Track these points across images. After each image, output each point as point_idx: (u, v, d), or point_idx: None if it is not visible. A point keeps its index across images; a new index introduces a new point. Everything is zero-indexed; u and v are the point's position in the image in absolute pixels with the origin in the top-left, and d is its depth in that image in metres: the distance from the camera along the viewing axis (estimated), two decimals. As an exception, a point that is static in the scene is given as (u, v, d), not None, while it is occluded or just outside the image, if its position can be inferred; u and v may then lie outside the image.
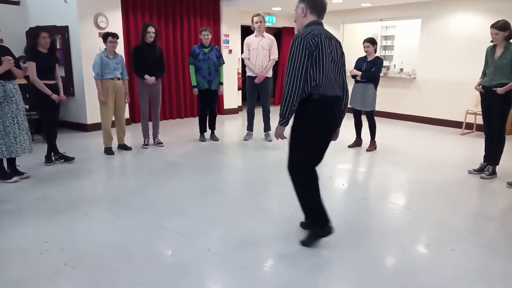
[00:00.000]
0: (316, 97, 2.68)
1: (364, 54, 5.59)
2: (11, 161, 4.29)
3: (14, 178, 4.23)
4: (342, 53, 2.82)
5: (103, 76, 5.11)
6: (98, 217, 3.39)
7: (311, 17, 2.81)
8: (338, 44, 2.80)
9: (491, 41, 4.28)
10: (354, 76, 5.61)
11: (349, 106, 5.89)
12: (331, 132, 2.88)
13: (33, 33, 4.56)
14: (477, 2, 6.96)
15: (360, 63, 5.60)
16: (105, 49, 5.15)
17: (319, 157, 2.92)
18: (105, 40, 5.10)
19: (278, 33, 9.84)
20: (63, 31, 6.59)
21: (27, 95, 5.39)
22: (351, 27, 9.57)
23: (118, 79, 5.25)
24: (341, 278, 2.52)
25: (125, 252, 2.79)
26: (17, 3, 7.05)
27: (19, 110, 4.11)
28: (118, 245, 2.89)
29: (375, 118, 5.73)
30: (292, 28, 10.18)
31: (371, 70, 5.43)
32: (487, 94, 4.36)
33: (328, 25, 9.25)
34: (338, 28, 9.33)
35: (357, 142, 5.89)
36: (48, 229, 3.12)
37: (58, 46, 6.67)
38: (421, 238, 3.11)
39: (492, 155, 4.49)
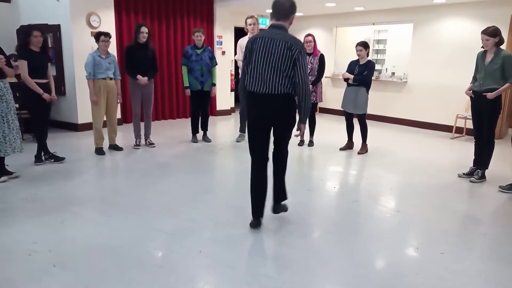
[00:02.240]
0: (249, 93, 3.07)
1: (356, 57, 5.63)
2: (0, 161, 4.23)
3: (3, 178, 4.18)
4: (287, 52, 2.88)
5: (95, 76, 5.07)
6: (88, 217, 3.37)
7: (272, 21, 3.04)
8: (284, 45, 2.89)
9: (482, 47, 4.33)
10: (346, 80, 5.64)
11: (341, 109, 5.97)
12: (262, 126, 3.07)
13: (25, 32, 4.53)
14: (469, 8, 7.05)
15: (352, 67, 5.63)
16: (98, 48, 5.12)
17: (254, 150, 3.11)
18: (97, 40, 5.08)
19: (272, 36, 9.86)
20: (55, 29, 6.54)
21: (17, 94, 5.33)
22: (343, 31, 9.64)
23: (111, 79, 5.22)
24: (331, 279, 2.53)
25: (114, 253, 2.77)
26: (8, 1, 6.98)
27: (9, 109, 4.06)
28: (107, 245, 2.87)
29: (367, 121, 5.76)
30: (286, 31, 10.19)
31: (363, 73, 5.47)
32: (477, 99, 4.41)
33: (321, 29, 9.40)
34: (331, 31, 9.39)
35: (349, 145, 5.92)
36: (36, 230, 3.09)
37: (49, 45, 6.62)
38: (410, 240, 3.13)
39: (482, 159, 4.54)
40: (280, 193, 3.30)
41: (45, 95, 4.56)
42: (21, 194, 3.84)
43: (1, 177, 4.17)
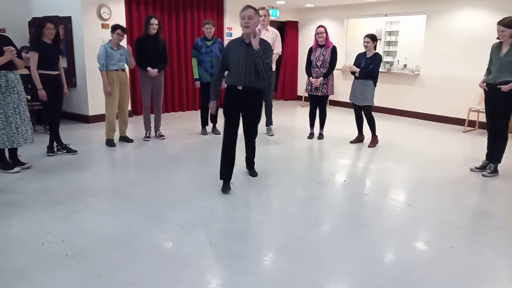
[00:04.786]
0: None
1: (363, 49, 5.57)
2: (13, 152, 4.29)
3: (16, 169, 4.23)
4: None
5: (108, 68, 5.10)
6: (100, 208, 3.40)
7: None
8: None
9: (497, 38, 4.25)
10: (353, 73, 5.59)
11: (349, 101, 5.93)
12: None
13: (39, 24, 4.56)
14: (483, -2, 6.92)
15: (359, 59, 5.58)
16: (110, 40, 5.13)
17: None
18: (113, 31, 5.08)
19: (282, 27, 9.80)
20: (66, 21, 6.57)
21: (29, 85, 5.38)
22: (355, 22, 9.52)
23: (123, 70, 5.24)
24: (341, 273, 2.53)
25: (125, 244, 2.80)
26: (20, -7, 7.01)
27: (20, 101, 4.10)
28: (118, 236, 2.90)
29: (376, 114, 5.71)
30: (296, 22, 10.13)
31: (370, 67, 5.42)
32: (491, 92, 4.34)
33: (332, 20, 9.29)
34: (342, 23, 9.28)
35: (359, 138, 5.88)
36: (49, 220, 3.14)
37: (61, 37, 6.65)
38: (421, 234, 3.11)
39: (495, 153, 4.48)
40: None
41: (41, 92, 4.50)
42: (34, 185, 3.89)
43: (14, 168, 4.23)
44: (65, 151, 4.94)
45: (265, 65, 3.55)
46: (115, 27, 5.09)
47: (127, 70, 5.49)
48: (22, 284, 2.32)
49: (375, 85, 5.51)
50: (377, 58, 5.46)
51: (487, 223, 3.30)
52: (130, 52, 5.30)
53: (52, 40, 4.57)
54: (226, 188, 3.81)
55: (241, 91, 3.70)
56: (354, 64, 5.62)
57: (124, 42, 6.70)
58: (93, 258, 2.60)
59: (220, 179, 3.85)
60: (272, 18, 8.85)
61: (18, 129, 4.09)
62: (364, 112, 5.66)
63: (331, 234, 3.09)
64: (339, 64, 8.78)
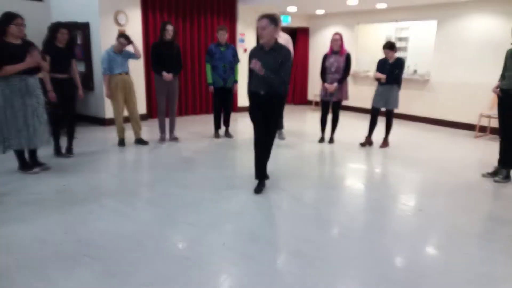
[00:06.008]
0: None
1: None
2: (32, 153, 4.41)
3: (35, 169, 4.35)
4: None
5: (112, 71, 5.24)
6: (115, 209, 3.48)
7: None
8: None
9: (512, 44, 4.25)
10: (378, 79, 5.66)
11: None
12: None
13: (52, 28, 4.72)
14: (495, 4, 6.89)
15: (382, 66, 5.65)
16: (113, 45, 5.30)
17: None
18: (118, 38, 5.28)
19: (293, 33, 9.87)
20: (84, 27, 6.74)
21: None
22: (365, 28, 9.55)
23: (126, 73, 5.38)
24: (352, 277, 2.54)
25: (140, 244, 2.85)
26: (41, 0, 7.21)
27: (39, 104, 4.20)
28: (134, 237, 2.95)
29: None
30: (307, 28, 10.19)
31: (395, 73, 5.50)
32: (505, 98, 4.33)
33: (343, 26, 9.34)
34: (352, 28, 9.31)
35: (368, 141, 5.93)
36: (67, 220, 3.21)
37: (78, 42, 6.83)
38: (433, 240, 3.11)
39: (507, 159, 4.46)
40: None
41: (51, 93, 4.58)
42: (52, 185, 4.00)
43: (33, 168, 4.36)
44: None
45: (273, 78, 3.63)
46: (120, 35, 5.30)
47: (141, 72, 5.59)
48: (40, 282, 2.38)
49: (399, 88, 5.66)
50: (400, 63, 5.57)
51: (500, 230, 3.27)
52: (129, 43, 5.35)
53: (65, 44, 4.72)
54: (257, 189, 3.94)
55: (262, 96, 3.74)
56: (378, 71, 5.70)
57: (140, 48, 6.84)
58: (109, 258, 2.65)
59: (255, 178, 3.99)
60: (283, 24, 8.92)
61: (36, 131, 4.19)
62: (387, 114, 5.77)
63: (342, 238, 3.11)
64: (350, 70, 8.82)
